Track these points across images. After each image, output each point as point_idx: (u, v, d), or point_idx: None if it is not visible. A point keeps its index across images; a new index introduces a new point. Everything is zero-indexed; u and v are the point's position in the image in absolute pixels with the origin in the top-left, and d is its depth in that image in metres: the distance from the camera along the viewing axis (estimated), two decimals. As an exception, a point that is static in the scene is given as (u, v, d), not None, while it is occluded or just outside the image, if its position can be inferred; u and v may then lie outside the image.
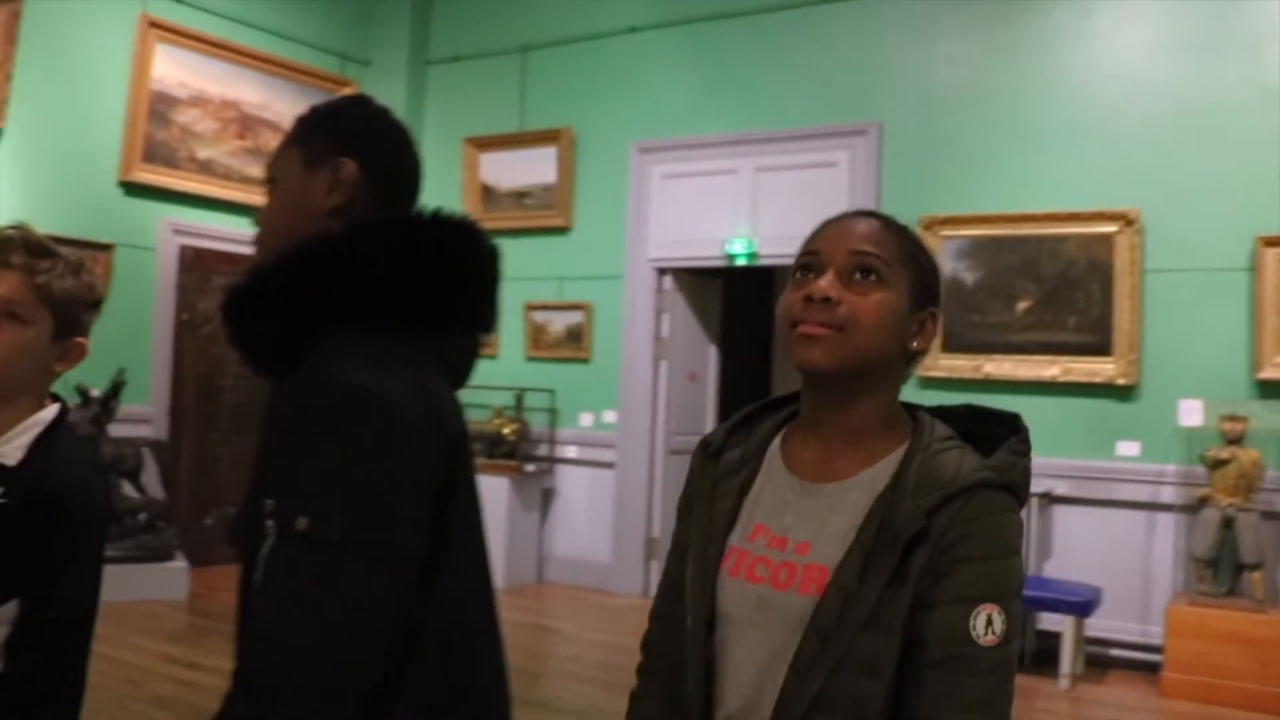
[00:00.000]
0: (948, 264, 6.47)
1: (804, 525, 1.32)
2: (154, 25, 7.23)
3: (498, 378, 7.78)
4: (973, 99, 6.56)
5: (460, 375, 1.54)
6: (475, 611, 1.44)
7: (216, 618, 6.31)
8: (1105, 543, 6.09)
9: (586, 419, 7.92)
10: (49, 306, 1.80)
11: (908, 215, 6.48)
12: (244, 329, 1.40)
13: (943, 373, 6.45)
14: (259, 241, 1.50)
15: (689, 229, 7.51)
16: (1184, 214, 5.95)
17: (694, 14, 7.53)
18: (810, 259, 1.35)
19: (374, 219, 1.43)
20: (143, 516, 6.71)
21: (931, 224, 6.51)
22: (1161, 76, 6.07)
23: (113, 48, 7.14)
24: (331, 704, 1.21)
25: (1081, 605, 5.67)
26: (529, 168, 8.16)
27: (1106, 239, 6.09)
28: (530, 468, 7.82)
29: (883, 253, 1.33)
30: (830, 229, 1.37)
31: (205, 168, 7.69)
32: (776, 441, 1.43)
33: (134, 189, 7.31)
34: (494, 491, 7.26)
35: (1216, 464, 5.65)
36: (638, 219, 7.74)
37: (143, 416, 7.27)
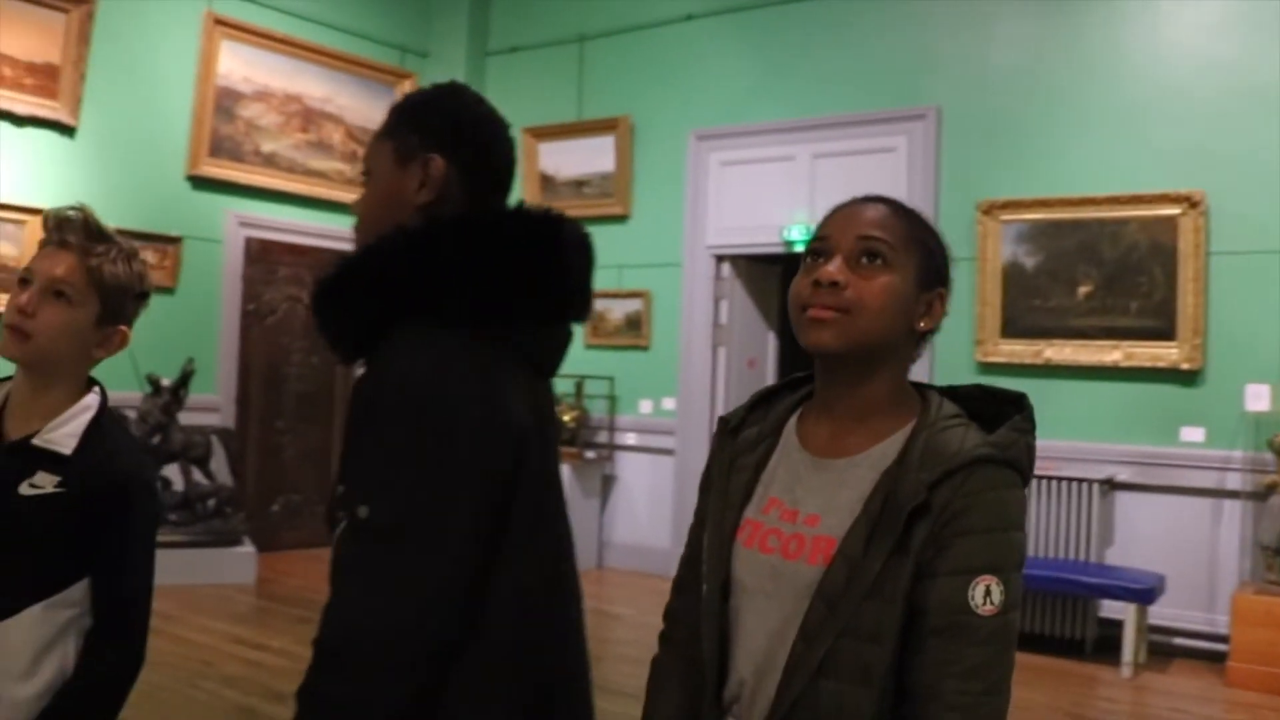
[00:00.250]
0: (1007, 248, 6.42)
1: (814, 499, 1.36)
2: (219, 23, 7.39)
3: (557, 366, 7.83)
4: (1031, 81, 6.47)
5: (548, 366, 1.58)
6: (544, 599, 1.48)
7: (283, 601, 6.46)
8: (1169, 530, 6.01)
9: (646, 406, 7.97)
10: (98, 291, 1.80)
11: (966, 200, 6.50)
12: (327, 319, 1.47)
13: (1002, 358, 6.39)
14: (356, 231, 1.56)
15: (747, 216, 7.50)
16: (1250, 195, 5.83)
17: (750, 0, 7.52)
18: (820, 244, 1.39)
19: (450, 215, 1.46)
20: (212, 502, 6.87)
21: (990, 208, 6.45)
22: (1228, 55, 5.95)
23: (179, 46, 7.31)
24: (378, 677, 1.30)
25: (1144, 593, 5.59)
26: (587, 157, 8.20)
27: (1170, 221, 5.99)
28: (590, 454, 7.89)
29: (888, 237, 1.36)
30: (839, 215, 1.41)
31: (269, 161, 7.84)
32: (793, 420, 1.47)
33: (201, 183, 7.48)
34: (554, 478, 7.31)
35: (1285, 450, 5.55)
36: (696, 206, 7.76)
37: (211, 405, 7.45)
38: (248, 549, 6.96)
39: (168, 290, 7.25)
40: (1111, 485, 6.10)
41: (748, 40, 7.58)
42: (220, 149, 7.53)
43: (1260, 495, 5.69)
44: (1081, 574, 5.76)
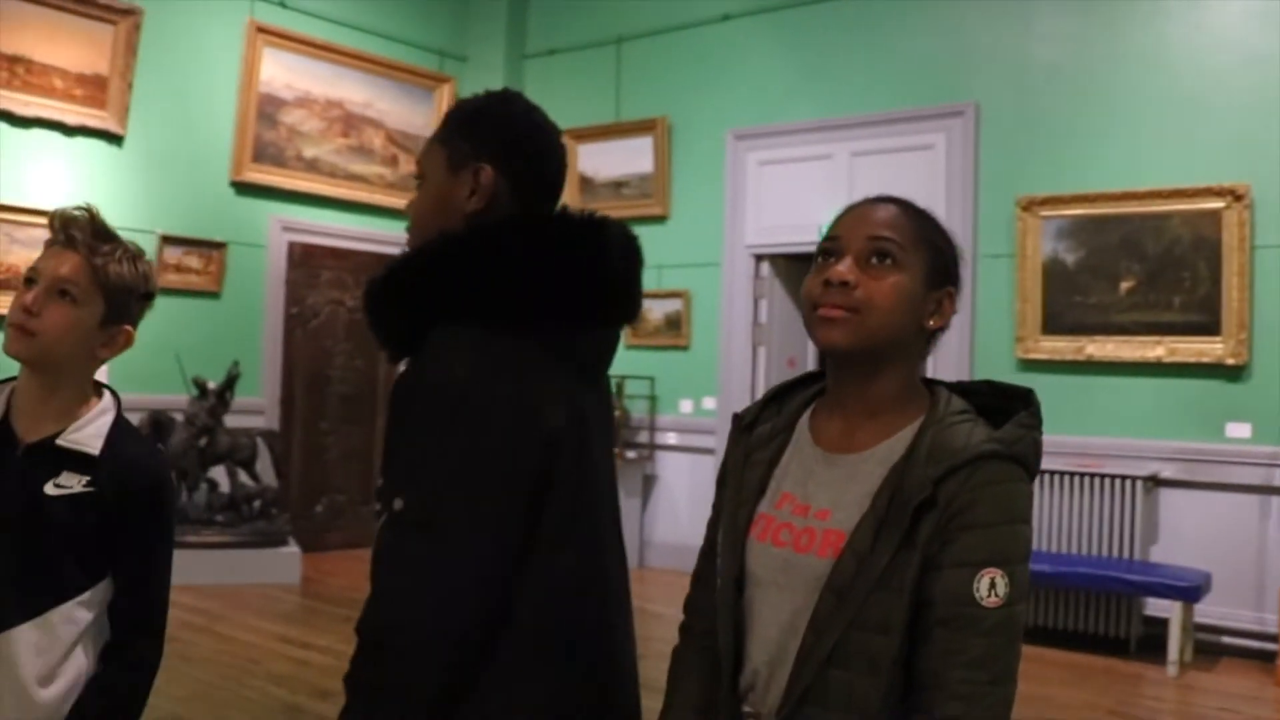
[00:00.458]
0: (1047, 244, 6.37)
1: (825, 493, 1.39)
2: (261, 30, 7.50)
3: (597, 366, 7.87)
4: (1071, 75, 6.42)
5: (594, 368, 1.61)
6: (579, 599, 1.51)
7: (328, 600, 6.53)
8: (1215, 527, 5.93)
9: (686, 405, 7.98)
10: (102, 290, 1.79)
11: (1005, 196, 6.47)
12: (377, 318, 1.52)
13: (1044, 355, 6.34)
14: (410, 233, 1.60)
15: (786, 215, 7.49)
16: (1296, 188, 5.76)
17: (787, 0, 7.52)
18: (831, 244, 1.42)
19: (493, 220, 1.50)
20: (257, 504, 6.97)
21: (1030, 204, 6.40)
22: (1272, 46, 5.85)
23: (223, 55, 7.43)
24: (413, 662, 1.35)
25: (1190, 590, 5.53)
26: (626, 158, 8.24)
27: (1214, 215, 5.92)
28: (631, 454, 7.92)
29: (898, 237, 1.39)
30: (850, 215, 1.45)
31: (312, 166, 7.93)
32: (806, 415, 1.50)
33: (245, 188, 7.59)
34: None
35: (1332, 445, 5.48)
36: (735, 206, 7.77)
37: (255, 408, 7.56)
38: (293, 549, 7.04)
39: (213, 295, 7.37)
40: (1156, 482, 6.04)
41: (785, 39, 7.58)
42: (263, 155, 7.64)
43: (1308, 491, 5.62)
44: (1126, 572, 5.71)
